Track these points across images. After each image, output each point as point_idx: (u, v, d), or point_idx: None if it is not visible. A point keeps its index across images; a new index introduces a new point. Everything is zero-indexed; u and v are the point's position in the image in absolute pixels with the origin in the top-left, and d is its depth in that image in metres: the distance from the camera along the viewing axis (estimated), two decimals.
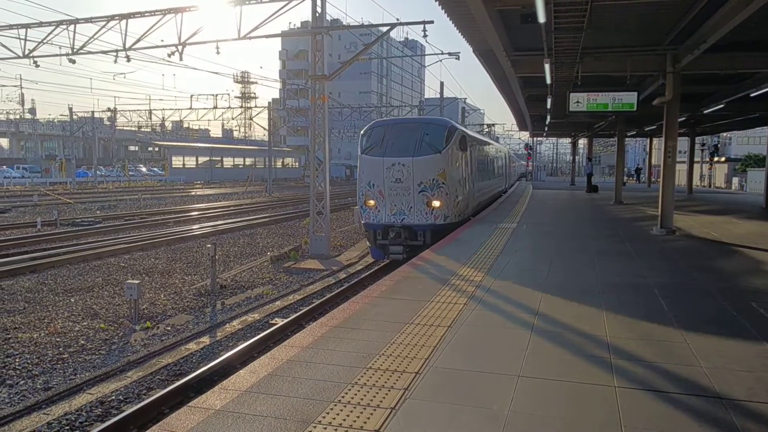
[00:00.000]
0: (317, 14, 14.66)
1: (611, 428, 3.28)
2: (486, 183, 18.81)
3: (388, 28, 15.76)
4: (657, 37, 11.39)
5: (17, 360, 7.14)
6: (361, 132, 13.34)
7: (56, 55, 19.74)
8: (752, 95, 15.92)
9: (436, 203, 12.00)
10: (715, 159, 51.86)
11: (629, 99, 12.28)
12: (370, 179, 12.39)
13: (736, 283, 7.58)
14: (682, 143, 33.74)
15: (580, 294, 6.56)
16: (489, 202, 19.92)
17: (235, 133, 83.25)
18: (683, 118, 21.37)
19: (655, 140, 38.75)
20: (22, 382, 6.54)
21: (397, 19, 18.99)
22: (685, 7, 9.44)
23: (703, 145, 49.56)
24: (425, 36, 18.81)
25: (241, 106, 64.74)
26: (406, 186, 12.04)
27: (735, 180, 46.76)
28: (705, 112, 20.05)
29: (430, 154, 12.02)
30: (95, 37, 18.54)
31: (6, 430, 5.43)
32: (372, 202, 12.40)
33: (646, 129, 29.81)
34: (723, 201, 26.01)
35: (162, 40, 24.07)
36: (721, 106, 18.19)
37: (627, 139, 32.47)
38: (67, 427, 5.48)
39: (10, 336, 8.00)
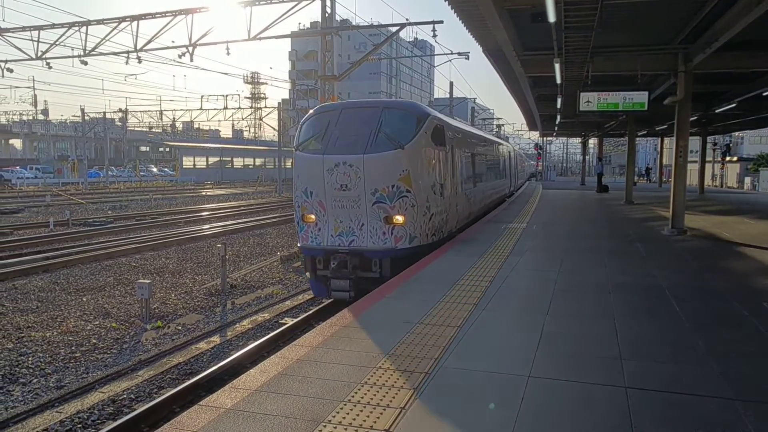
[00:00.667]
0: (327, 15, 14.72)
1: (622, 429, 3.27)
2: (479, 188, 14.70)
3: (397, 28, 15.81)
4: (668, 36, 11.32)
5: (30, 359, 7.22)
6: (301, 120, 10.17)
7: (68, 57, 20.04)
8: (765, 94, 15.79)
9: (398, 219, 8.74)
10: (727, 158, 51.50)
11: (640, 98, 12.21)
12: (307, 185, 9.10)
13: (748, 284, 7.53)
14: (694, 143, 33.46)
15: (590, 294, 6.53)
16: (485, 211, 16.15)
17: (245, 134, 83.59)
18: (695, 118, 21.21)
19: (667, 140, 38.51)
20: (35, 380, 6.61)
21: (407, 19, 18.98)
22: (697, 6, 9.38)
23: (715, 144, 49.20)
24: (435, 36, 18.72)
25: (251, 107, 65.12)
26: (355, 195, 8.73)
27: (747, 180, 46.40)
28: (717, 111, 19.90)
29: (388, 150, 8.66)
30: (107, 38, 18.80)
31: (20, 427, 5.50)
32: (312, 216, 9.16)
33: (657, 128, 29.63)
34: (735, 201, 25.79)
35: (173, 41, 24.26)
36: (733, 105, 18.05)
37: (638, 138, 32.33)
38: (79, 426, 5.53)
39: (23, 335, 8.09)
